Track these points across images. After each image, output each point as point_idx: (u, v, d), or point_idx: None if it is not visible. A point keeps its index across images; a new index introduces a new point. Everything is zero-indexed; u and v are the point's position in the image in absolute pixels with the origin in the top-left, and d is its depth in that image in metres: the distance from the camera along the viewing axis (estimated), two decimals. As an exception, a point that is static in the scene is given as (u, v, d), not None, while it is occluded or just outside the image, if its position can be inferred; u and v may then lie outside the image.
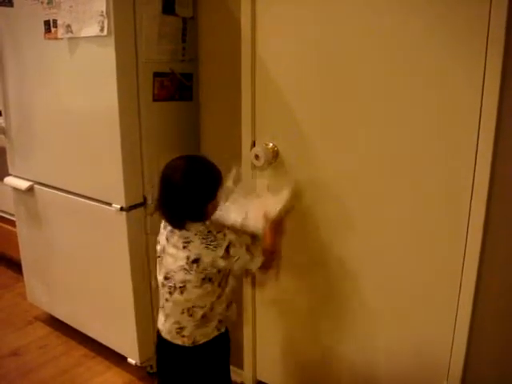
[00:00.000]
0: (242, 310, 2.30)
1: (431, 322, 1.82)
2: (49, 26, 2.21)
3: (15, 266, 3.23)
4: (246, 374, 2.41)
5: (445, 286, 1.76)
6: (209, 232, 1.68)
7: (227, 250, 1.69)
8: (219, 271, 1.71)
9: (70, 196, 2.40)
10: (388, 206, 1.83)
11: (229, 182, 1.83)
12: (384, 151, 1.78)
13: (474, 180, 1.61)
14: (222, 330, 1.82)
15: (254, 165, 2.03)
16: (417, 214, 1.77)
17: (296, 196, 1.91)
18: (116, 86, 2.03)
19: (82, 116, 2.23)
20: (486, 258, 1.65)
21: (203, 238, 1.67)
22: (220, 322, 1.79)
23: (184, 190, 1.64)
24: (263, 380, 2.40)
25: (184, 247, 1.67)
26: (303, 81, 1.91)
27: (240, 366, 2.42)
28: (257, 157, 1.98)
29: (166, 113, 2.25)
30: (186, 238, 1.68)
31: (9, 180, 2.76)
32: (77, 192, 2.36)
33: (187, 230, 1.68)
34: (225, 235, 1.70)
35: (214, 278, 1.71)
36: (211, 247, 1.67)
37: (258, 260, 1.78)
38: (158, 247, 1.78)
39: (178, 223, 1.69)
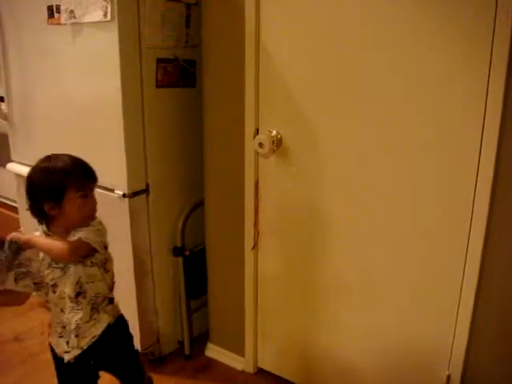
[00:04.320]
0: (244, 298, 2.31)
1: (433, 311, 1.82)
2: (52, 11, 2.20)
3: (18, 252, 3.23)
4: (247, 361, 2.41)
5: (448, 274, 1.76)
6: None
7: None
8: None
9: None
10: (389, 200, 1.83)
11: None
12: (386, 142, 1.78)
13: (476, 182, 1.63)
14: None
15: (258, 152, 2.03)
16: (418, 210, 1.78)
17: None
18: (119, 72, 2.02)
19: (84, 102, 2.23)
20: (489, 249, 1.66)
21: None
22: None
23: None
24: (264, 367, 2.41)
25: None
26: (307, 68, 1.90)
27: (241, 353, 2.43)
28: (261, 144, 1.97)
29: (169, 99, 2.24)
30: None
31: (11, 166, 2.75)
32: (79, 178, 2.35)
33: None
34: None
35: None
36: None
37: None
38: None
39: None
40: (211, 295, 2.47)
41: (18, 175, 2.71)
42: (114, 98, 2.07)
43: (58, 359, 1.73)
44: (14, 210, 3.07)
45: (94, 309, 1.65)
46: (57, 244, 1.54)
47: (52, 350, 1.76)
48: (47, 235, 1.61)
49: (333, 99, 1.86)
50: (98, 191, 2.22)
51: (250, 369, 2.42)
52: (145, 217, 2.26)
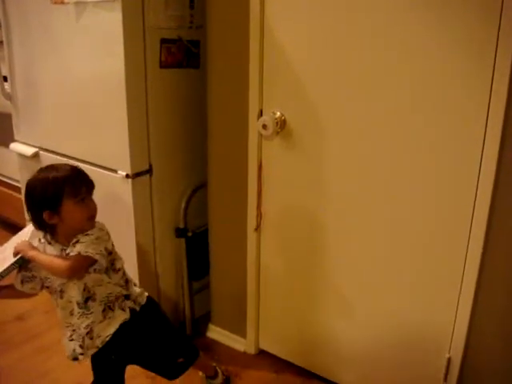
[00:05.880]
0: (246, 279, 2.32)
1: (435, 295, 1.83)
2: (55, -11, 2.19)
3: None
4: (249, 342, 2.43)
5: (449, 258, 1.76)
6: None
7: None
8: None
9: (75, 163, 2.38)
10: (392, 184, 1.83)
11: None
12: (390, 125, 1.77)
13: (479, 176, 1.64)
14: None
15: (261, 134, 2.03)
16: (420, 198, 1.79)
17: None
18: (123, 52, 2.01)
19: (88, 82, 2.22)
20: (492, 232, 1.66)
21: None
22: None
23: None
24: (265, 349, 2.42)
25: None
26: (312, 50, 1.88)
27: (243, 335, 2.44)
28: (264, 126, 1.96)
29: (172, 80, 2.23)
30: None
31: (14, 146, 2.75)
32: (82, 159, 2.35)
33: None
34: None
35: None
36: None
37: None
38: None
39: None
40: (213, 277, 2.48)
41: (21, 155, 2.71)
42: (117, 78, 2.06)
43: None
44: (17, 189, 3.07)
45: (108, 308, 1.67)
46: (56, 263, 1.58)
47: None
48: (49, 243, 1.64)
49: (337, 81, 1.85)
50: (100, 171, 2.26)
51: (252, 350, 2.43)
52: (148, 197, 2.26)
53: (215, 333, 2.55)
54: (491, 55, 1.51)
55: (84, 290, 1.61)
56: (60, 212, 1.57)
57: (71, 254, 1.56)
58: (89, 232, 1.60)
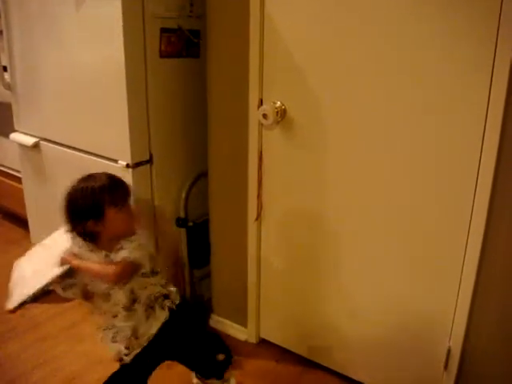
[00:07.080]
0: (247, 269, 2.32)
1: (435, 285, 1.83)
2: (55, -22, 2.18)
3: (22, 222, 3.24)
4: (250, 331, 2.43)
5: (450, 247, 1.76)
6: None
7: None
8: None
9: (75, 152, 2.39)
10: (391, 171, 1.82)
11: None
12: (390, 114, 1.77)
13: (478, 172, 1.63)
14: None
15: (262, 124, 2.02)
16: (419, 185, 1.78)
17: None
18: (122, 41, 2.00)
19: (88, 71, 2.21)
20: (492, 224, 1.66)
21: None
22: None
23: None
24: (267, 338, 2.43)
25: None
26: (312, 39, 1.87)
27: (244, 324, 2.45)
28: (265, 115, 1.96)
29: (172, 69, 2.23)
30: None
31: (15, 136, 2.75)
32: (83, 148, 2.36)
33: None
34: None
35: None
36: None
37: None
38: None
39: None
40: (214, 267, 2.48)
41: (22, 145, 2.71)
42: (117, 67, 2.05)
43: None
44: (18, 179, 3.07)
45: (150, 308, 1.70)
46: (102, 269, 1.60)
47: None
48: (90, 251, 1.66)
49: (338, 71, 1.85)
50: (101, 161, 2.26)
51: (253, 339, 2.44)
52: (148, 187, 2.27)
53: (216, 322, 2.56)
54: (491, 48, 1.51)
55: (131, 293, 1.65)
56: (104, 220, 1.60)
57: (116, 259, 1.60)
58: (131, 238, 1.63)
